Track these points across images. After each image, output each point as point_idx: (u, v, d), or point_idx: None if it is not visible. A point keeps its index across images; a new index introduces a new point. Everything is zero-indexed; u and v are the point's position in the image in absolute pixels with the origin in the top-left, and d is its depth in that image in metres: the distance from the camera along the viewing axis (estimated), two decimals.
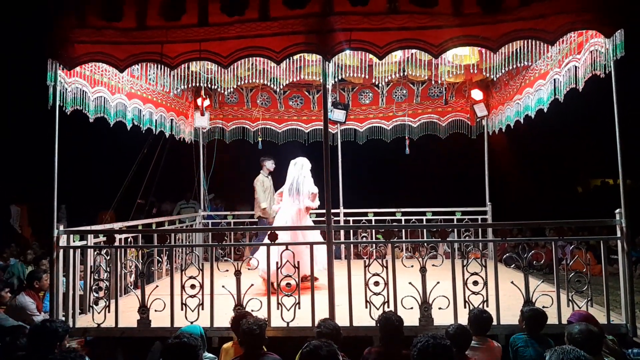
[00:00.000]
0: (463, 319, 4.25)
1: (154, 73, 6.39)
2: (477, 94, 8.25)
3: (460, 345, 3.52)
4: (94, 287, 5.13)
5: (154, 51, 4.70)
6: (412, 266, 4.77)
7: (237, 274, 4.76)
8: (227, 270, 4.95)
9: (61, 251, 4.93)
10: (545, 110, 6.11)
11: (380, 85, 8.48)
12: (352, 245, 5.81)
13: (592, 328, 3.42)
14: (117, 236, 5.72)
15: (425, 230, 9.07)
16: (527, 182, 17.82)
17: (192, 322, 4.45)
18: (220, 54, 4.64)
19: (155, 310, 4.76)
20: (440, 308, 4.63)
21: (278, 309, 4.68)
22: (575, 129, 15.73)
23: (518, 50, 4.94)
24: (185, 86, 6.26)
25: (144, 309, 4.77)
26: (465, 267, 4.67)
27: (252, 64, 5.83)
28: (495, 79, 7.23)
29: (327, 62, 4.65)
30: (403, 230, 9.08)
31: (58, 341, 3.63)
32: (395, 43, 4.49)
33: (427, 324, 4.57)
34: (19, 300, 5.75)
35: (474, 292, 4.62)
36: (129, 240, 6.15)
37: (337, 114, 8.34)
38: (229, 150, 10.24)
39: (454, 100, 8.75)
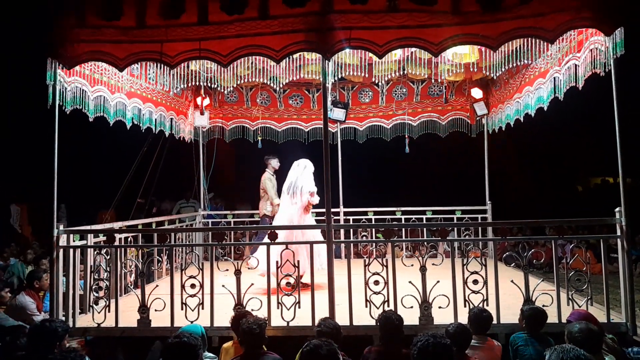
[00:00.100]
0: (463, 318, 4.25)
1: (153, 72, 6.37)
2: (477, 93, 8.24)
3: (460, 344, 3.52)
4: (94, 287, 5.13)
5: (154, 50, 4.70)
6: (412, 265, 4.77)
7: (237, 273, 4.76)
8: (227, 270, 4.96)
9: (61, 251, 4.93)
10: (545, 108, 6.10)
11: (380, 83, 8.46)
12: (352, 245, 5.82)
13: (592, 327, 3.42)
14: (117, 236, 5.72)
15: (425, 229, 9.07)
16: (527, 180, 17.82)
17: (192, 322, 4.45)
18: (219, 52, 4.64)
19: (156, 310, 4.76)
20: (440, 307, 4.62)
21: (278, 308, 4.67)
22: (575, 127, 15.72)
23: (518, 48, 4.94)
24: (185, 85, 6.27)
25: (144, 309, 4.77)
26: (465, 266, 4.66)
27: (252, 63, 5.84)
28: (495, 77, 7.22)
29: (326, 61, 4.65)
30: (403, 229, 9.09)
31: (58, 341, 3.63)
32: (395, 41, 4.49)
33: (427, 323, 4.57)
34: (19, 300, 5.75)
35: (474, 291, 4.62)
36: (129, 239, 6.14)
37: (337, 113, 8.34)
38: (228, 150, 10.24)
39: (453, 98, 8.74)
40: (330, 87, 6.19)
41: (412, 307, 4.61)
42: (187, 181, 9.67)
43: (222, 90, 6.58)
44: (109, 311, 4.89)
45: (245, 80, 6.14)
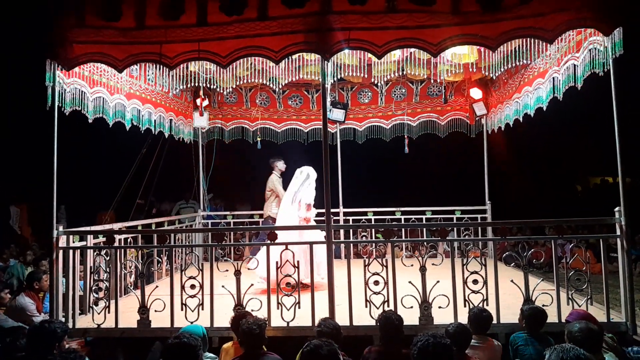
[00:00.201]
0: (463, 318, 4.25)
1: (152, 73, 6.39)
2: (476, 93, 8.24)
3: (460, 344, 3.52)
4: (93, 288, 5.13)
5: (153, 51, 4.70)
6: (411, 265, 4.77)
7: (237, 273, 4.76)
8: (226, 270, 4.95)
9: (61, 252, 4.93)
10: (545, 108, 6.11)
11: (379, 84, 8.47)
12: (351, 245, 5.82)
13: (592, 326, 3.42)
14: (117, 236, 5.72)
15: (424, 229, 9.07)
16: (526, 180, 17.81)
17: (191, 322, 4.45)
18: (219, 53, 4.64)
19: (155, 311, 4.76)
20: (440, 307, 4.63)
21: (278, 308, 4.68)
22: (575, 127, 15.71)
23: (517, 48, 4.95)
24: (184, 86, 6.27)
25: (143, 310, 4.77)
26: (465, 266, 4.67)
27: (251, 64, 5.84)
28: (494, 77, 7.25)
29: (326, 62, 4.65)
30: (403, 230, 9.09)
31: (57, 342, 3.63)
32: (394, 42, 4.49)
33: (427, 323, 4.57)
34: (19, 301, 5.74)
35: (473, 291, 4.62)
36: (128, 240, 6.14)
37: (336, 114, 8.34)
38: (228, 150, 10.23)
39: (453, 99, 8.74)
40: (329, 88, 6.19)
41: (412, 307, 4.62)
42: (187, 182, 9.66)
43: (222, 91, 6.57)
44: (108, 312, 4.89)
45: (245, 81, 6.15)
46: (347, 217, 9.00)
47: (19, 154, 13.74)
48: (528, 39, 4.67)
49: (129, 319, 4.87)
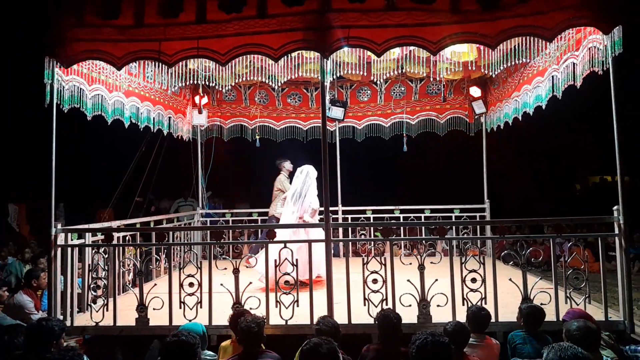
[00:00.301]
0: (461, 317, 4.26)
1: (151, 71, 6.37)
2: (475, 91, 8.24)
3: (458, 343, 3.52)
4: (92, 286, 5.13)
5: (152, 49, 4.70)
6: (410, 264, 4.78)
7: (236, 272, 4.76)
8: (225, 269, 4.95)
9: (59, 250, 4.93)
10: (544, 107, 6.10)
11: (378, 82, 8.46)
12: (350, 243, 5.82)
13: (590, 325, 3.42)
14: (115, 234, 5.70)
15: (423, 227, 9.08)
16: (525, 179, 17.84)
17: (190, 320, 4.46)
18: (218, 51, 4.63)
19: (154, 309, 4.75)
20: (438, 305, 4.63)
21: (276, 306, 4.67)
22: (574, 125, 15.74)
23: (516, 47, 4.93)
24: (183, 84, 6.26)
25: (142, 308, 4.77)
26: (463, 265, 4.67)
27: (250, 62, 5.82)
28: (493, 76, 7.25)
29: (325, 60, 4.65)
30: (401, 228, 9.09)
31: (54, 340, 3.63)
32: (394, 40, 4.49)
33: (426, 321, 4.57)
34: (17, 299, 5.74)
35: (472, 290, 4.63)
36: (127, 238, 6.13)
37: (336, 112, 8.33)
38: (227, 148, 10.23)
39: (452, 97, 8.74)
40: (328, 86, 6.19)
41: (410, 305, 4.62)
42: (186, 180, 9.66)
43: (221, 89, 6.56)
44: (107, 310, 4.89)
45: (244, 78, 6.13)
46: (346, 216, 9.01)
47: (17, 151, 13.73)
48: (527, 37, 4.66)
49: (127, 317, 4.87)
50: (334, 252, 4.95)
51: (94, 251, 5.21)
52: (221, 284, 4.77)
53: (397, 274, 4.71)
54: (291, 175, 7.88)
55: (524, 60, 5.01)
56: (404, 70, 6.28)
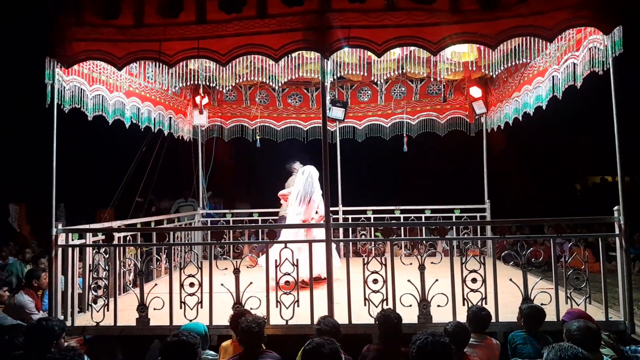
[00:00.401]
0: (462, 317, 4.25)
1: (152, 71, 6.38)
2: (475, 92, 8.24)
3: (459, 343, 3.52)
4: (92, 286, 5.13)
5: (152, 49, 4.70)
6: (410, 264, 4.78)
7: (236, 272, 4.76)
8: (226, 269, 4.95)
9: (60, 250, 4.93)
10: (544, 107, 6.10)
11: (379, 82, 8.45)
12: (350, 243, 5.82)
13: (590, 325, 3.42)
14: (116, 234, 5.71)
15: (424, 228, 9.07)
16: (525, 179, 17.83)
17: (190, 320, 4.46)
18: (218, 51, 4.64)
19: (154, 309, 4.76)
20: (439, 305, 4.63)
21: (277, 307, 4.67)
22: (574, 126, 15.72)
23: (516, 47, 4.94)
24: (184, 84, 6.27)
25: (142, 308, 4.77)
26: (463, 265, 4.67)
27: (251, 62, 5.83)
28: (493, 76, 7.24)
29: (325, 60, 4.65)
30: (402, 228, 9.09)
31: (54, 340, 3.64)
32: (394, 40, 4.49)
33: (426, 321, 4.57)
34: (18, 299, 5.75)
35: (472, 290, 4.62)
36: (127, 238, 6.14)
37: (336, 112, 8.33)
38: (227, 149, 10.23)
39: (452, 97, 8.74)
40: (329, 86, 6.19)
41: (410, 305, 4.62)
42: (186, 180, 9.66)
43: (221, 89, 6.57)
44: (107, 310, 4.89)
45: (244, 79, 6.14)
46: (347, 216, 9.01)
47: (18, 151, 13.73)
48: (528, 38, 4.66)
49: (127, 317, 4.87)
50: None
51: (94, 251, 5.22)
52: (222, 284, 4.78)
53: (397, 274, 4.71)
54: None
55: (524, 60, 5.02)
56: (404, 71, 6.28)
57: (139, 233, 6.34)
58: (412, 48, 5.42)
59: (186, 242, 7.71)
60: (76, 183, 13.15)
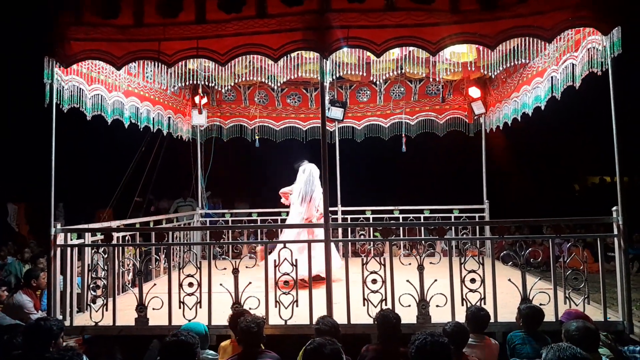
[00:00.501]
0: (460, 317, 4.26)
1: (151, 71, 6.38)
2: (474, 92, 8.24)
3: (457, 343, 3.52)
4: (91, 286, 5.13)
5: (151, 49, 4.70)
6: (409, 264, 4.78)
7: (235, 272, 4.76)
8: (224, 269, 4.95)
9: (58, 249, 4.93)
10: (543, 107, 6.11)
11: (378, 82, 8.46)
12: (349, 243, 5.82)
13: (589, 325, 3.43)
14: (115, 234, 5.70)
15: (422, 228, 9.08)
16: (524, 179, 17.84)
17: (189, 320, 4.46)
18: (217, 51, 4.64)
19: (153, 309, 4.75)
20: (437, 306, 4.63)
21: (276, 307, 4.67)
22: (573, 126, 15.74)
23: (516, 47, 4.94)
24: (183, 84, 6.27)
25: (141, 307, 4.77)
26: (462, 265, 4.67)
27: (250, 62, 5.83)
28: (492, 76, 7.26)
29: (324, 60, 4.65)
30: (401, 228, 9.09)
31: (53, 339, 3.63)
32: (393, 40, 4.49)
33: (425, 321, 4.57)
34: (16, 299, 5.74)
35: (471, 290, 4.63)
36: (126, 238, 6.14)
37: (335, 112, 8.33)
38: (226, 148, 10.22)
39: (451, 97, 8.75)
40: (328, 86, 6.19)
41: (409, 305, 4.62)
42: (185, 180, 9.66)
43: (220, 89, 6.56)
44: (106, 310, 4.88)
45: (243, 78, 6.13)
46: (346, 216, 9.01)
47: (17, 151, 13.72)
48: (527, 38, 4.67)
49: (126, 316, 4.87)
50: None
51: (93, 251, 5.22)
52: (220, 284, 4.78)
53: (396, 274, 4.71)
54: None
55: (524, 61, 5.02)
56: (403, 71, 6.29)
57: (137, 233, 6.34)
58: (411, 48, 5.42)
59: (185, 242, 7.71)
60: (75, 183, 13.14)
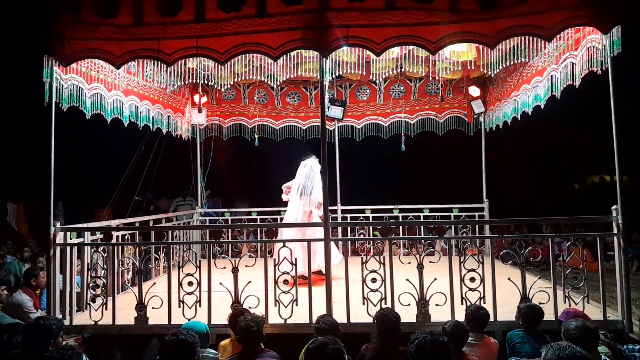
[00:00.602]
0: (460, 316, 4.26)
1: (150, 69, 6.37)
2: (474, 91, 8.25)
3: (457, 342, 3.53)
4: (91, 285, 5.12)
5: (151, 47, 4.70)
6: (409, 263, 4.78)
7: (235, 271, 4.76)
8: (224, 268, 4.95)
9: (58, 248, 4.92)
10: (542, 106, 6.11)
11: (377, 81, 8.47)
12: (349, 242, 5.82)
13: (588, 324, 3.43)
14: (114, 233, 5.68)
15: (422, 227, 9.07)
16: (524, 178, 17.84)
17: (189, 319, 4.46)
18: (217, 50, 4.63)
19: (153, 308, 4.75)
20: (437, 304, 4.64)
21: (276, 305, 4.68)
22: (572, 125, 15.74)
23: (515, 46, 4.94)
24: (182, 83, 6.27)
25: (141, 306, 4.77)
26: (462, 264, 4.67)
27: (249, 61, 5.82)
28: (492, 75, 7.25)
29: (324, 59, 4.65)
30: (400, 227, 9.08)
31: (52, 338, 3.64)
32: (393, 39, 4.49)
33: (424, 320, 4.58)
34: (16, 298, 5.74)
35: (471, 289, 4.63)
36: (126, 237, 6.14)
37: (335, 111, 8.33)
38: (226, 147, 10.23)
39: (451, 96, 8.75)
40: (327, 85, 6.18)
41: (409, 304, 4.62)
42: (185, 179, 9.66)
43: (220, 88, 6.56)
44: (106, 309, 4.88)
45: (243, 77, 6.14)
46: (345, 215, 9.00)
47: (16, 150, 13.71)
48: (526, 37, 4.66)
49: (126, 315, 4.87)
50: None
51: (93, 250, 5.21)
52: (220, 283, 4.78)
53: (396, 273, 4.72)
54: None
55: (523, 59, 5.01)
56: (403, 70, 6.28)
57: (137, 232, 6.34)
58: (410, 47, 5.41)
59: (185, 241, 7.71)
60: (75, 182, 13.14)
